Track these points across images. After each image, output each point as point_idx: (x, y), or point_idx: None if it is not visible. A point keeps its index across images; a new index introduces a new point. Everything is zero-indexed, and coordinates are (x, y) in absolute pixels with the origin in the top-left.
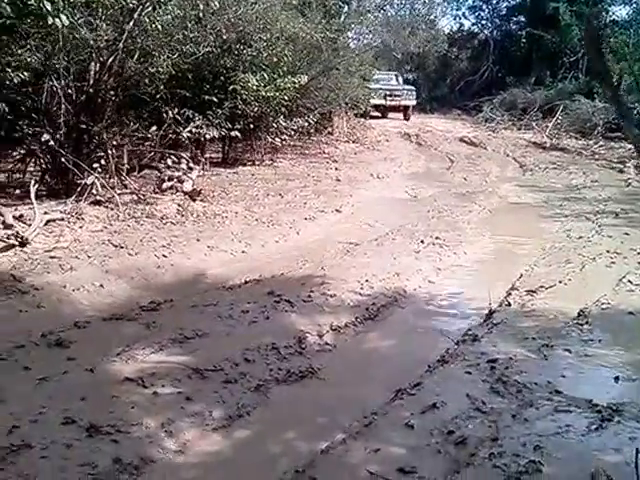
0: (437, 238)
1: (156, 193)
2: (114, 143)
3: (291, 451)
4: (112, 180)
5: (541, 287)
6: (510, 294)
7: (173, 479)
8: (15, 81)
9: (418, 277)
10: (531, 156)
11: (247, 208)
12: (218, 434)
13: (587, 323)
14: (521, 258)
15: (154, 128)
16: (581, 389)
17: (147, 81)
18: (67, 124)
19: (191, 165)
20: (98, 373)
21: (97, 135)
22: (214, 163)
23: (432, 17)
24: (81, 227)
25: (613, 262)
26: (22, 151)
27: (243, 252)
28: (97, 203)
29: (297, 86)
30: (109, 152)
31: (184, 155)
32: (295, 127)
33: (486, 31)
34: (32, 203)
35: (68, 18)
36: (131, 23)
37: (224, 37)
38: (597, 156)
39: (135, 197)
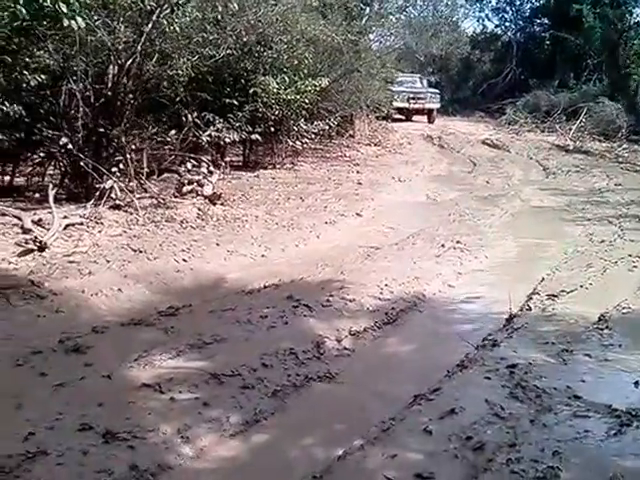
0: (458, 242)
1: (176, 197)
2: (133, 147)
3: (308, 457)
4: (131, 184)
5: (562, 291)
6: (531, 298)
7: None
8: (32, 84)
9: (438, 281)
10: (554, 159)
11: (267, 212)
12: (235, 440)
13: (607, 328)
14: (543, 262)
15: (173, 132)
16: (600, 394)
17: (166, 84)
18: (86, 127)
19: (211, 169)
20: (115, 379)
21: (116, 139)
22: (235, 166)
23: (455, 19)
24: (100, 231)
25: (635, 266)
26: (41, 154)
27: (263, 256)
28: (117, 207)
29: (318, 89)
30: (127, 156)
31: (204, 159)
32: (316, 130)
33: (509, 33)
34: (51, 206)
35: (84, 20)
36: (149, 25)
37: (244, 39)
38: (621, 159)
39: (155, 201)
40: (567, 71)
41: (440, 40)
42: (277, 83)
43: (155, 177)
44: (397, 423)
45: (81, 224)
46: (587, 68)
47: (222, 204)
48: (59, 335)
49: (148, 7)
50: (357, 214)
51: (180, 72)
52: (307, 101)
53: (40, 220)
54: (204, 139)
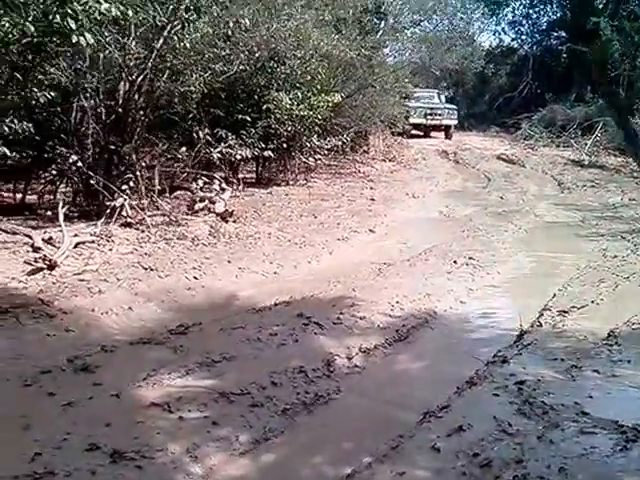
0: (470, 258)
1: (188, 214)
2: (143, 164)
3: (318, 475)
4: (143, 201)
5: (573, 307)
6: (542, 314)
7: None
8: (42, 101)
9: (450, 298)
10: (569, 174)
11: (280, 229)
12: (244, 458)
13: (617, 343)
14: (555, 278)
15: (184, 149)
16: (607, 410)
17: (178, 100)
18: (96, 144)
19: (223, 186)
20: (124, 398)
21: (127, 156)
22: (248, 183)
23: (470, 33)
24: (111, 249)
25: None
26: (53, 172)
27: (275, 273)
28: (128, 225)
29: (331, 105)
30: (138, 173)
31: (216, 176)
32: (329, 146)
33: (526, 46)
34: (61, 225)
35: (95, 36)
36: (160, 41)
37: (257, 55)
38: (636, 174)
39: (166, 218)
40: (584, 85)
41: (455, 54)
42: (290, 99)
43: (167, 194)
44: (406, 440)
45: (92, 242)
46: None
47: (234, 221)
48: (68, 354)
49: (159, 23)
50: (370, 230)
51: (193, 88)
52: (320, 117)
53: (50, 238)
54: (215, 156)
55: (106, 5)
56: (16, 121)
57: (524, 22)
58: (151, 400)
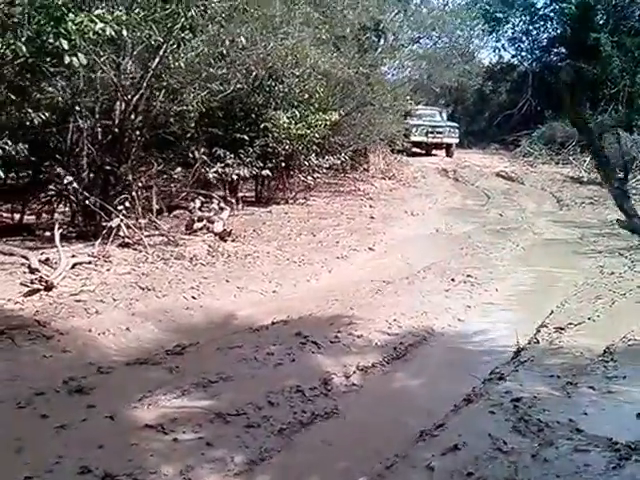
0: (469, 276)
1: (187, 234)
2: (140, 184)
3: None
4: (140, 221)
5: (570, 324)
6: (539, 331)
7: None
8: (36, 122)
9: (447, 315)
10: (568, 191)
11: (279, 247)
12: (239, 479)
13: (612, 360)
14: (553, 294)
15: (179, 169)
16: (602, 427)
17: (173, 120)
18: (93, 165)
19: (222, 205)
20: (118, 420)
21: (123, 176)
22: (248, 202)
23: (470, 49)
24: (108, 270)
25: None
26: (50, 192)
27: (274, 292)
28: (125, 245)
29: (329, 123)
30: (134, 194)
31: (215, 195)
32: (327, 165)
33: (526, 63)
34: (57, 246)
35: (90, 56)
36: (156, 61)
37: (254, 73)
38: (635, 191)
39: (164, 238)
40: (583, 101)
41: (455, 71)
42: (287, 118)
43: (167, 214)
44: (401, 460)
45: (89, 263)
46: (604, 98)
47: (233, 240)
48: (64, 375)
49: (154, 43)
50: (369, 248)
51: (191, 107)
52: (318, 135)
53: (47, 259)
54: (211, 176)
55: (101, 25)
56: (10, 142)
57: (524, 38)
58: (146, 421)
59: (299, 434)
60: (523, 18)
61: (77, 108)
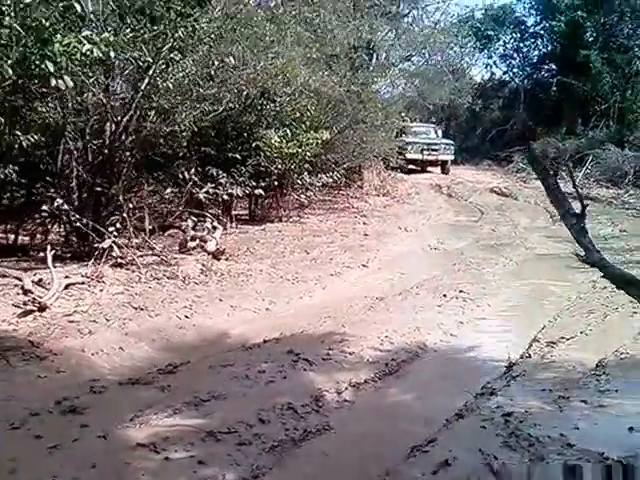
0: (461, 291)
1: (181, 253)
2: (130, 206)
3: None
4: (133, 241)
5: (562, 338)
6: (531, 346)
7: None
8: (24, 144)
9: (440, 331)
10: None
11: (272, 265)
12: None
13: (605, 373)
14: (545, 309)
15: (169, 190)
16: (594, 441)
17: (163, 140)
18: (84, 186)
19: (215, 224)
20: (110, 439)
21: (114, 197)
22: (242, 220)
23: (463, 66)
24: (101, 290)
25: (635, 312)
26: (44, 214)
27: (267, 310)
28: (118, 265)
29: (320, 142)
30: (125, 215)
31: (208, 214)
32: (320, 183)
33: (517, 80)
34: (50, 267)
35: (79, 77)
36: (145, 81)
37: (245, 93)
38: (627, 205)
39: (157, 258)
40: (574, 117)
41: (448, 88)
42: (279, 137)
43: (161, 233)
44: (392, 477)
45: (82, 283)
46: (594, 114)
47: (226, 259)
48: (58, 396)
49: (141, 64)
50: (363, 265)
51: (183, 126)
52: (309, 154)
53: (41, 280)
54: (202, 196)
55: (88, 46)
56: None
57: (515, 55)
58: (138, 441)
59: (291, 451)
60: (514, 35)
61: (68, 129)
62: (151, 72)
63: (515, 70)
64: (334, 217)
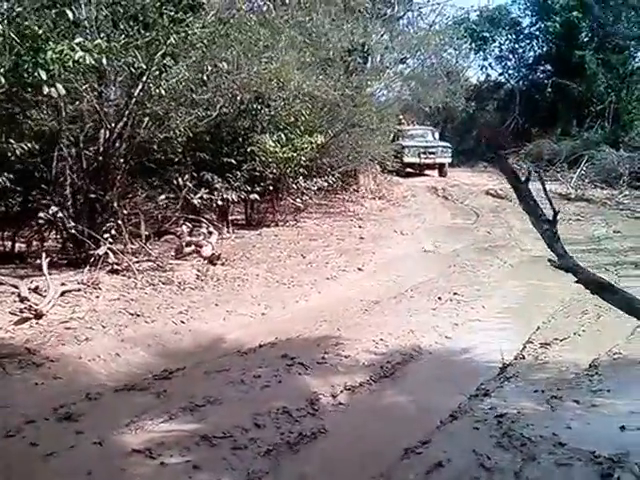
0: (455, 294)
1: (177, 259)
2: (125, 212)
3: None
4: (129, 247)
5: (556, 339)
6: (525, 347)
7: None
8: (18, 152)
9: (434, 333)
10: (555, 208)
11: (268, 270)
12: None
13: (597, 373)
14: (540, 310)
15: (163, 196)
16: (585, 440)
17: (157, 146)
18: (79, 193)
19: (211, 229)
20: (106, 446)
21: (109, 203)
22: (238, 225)
23: (458, 68)
24: (97, 297)
25: None
26: (40, 221)
27: (263, 314)
28: (114, 272)
29: (315, 146)
30: (120, 222)
31: (204, 220)
32: (316, 187)
33: (512, 81)
34: (45, 275)
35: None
36: (139, 88)
37: (239, 97)
38: (622, 206)
39: (153, 264)
40: (569, 118)
41: (442, 91)
42: (273, 141)
43: (157, 239)
44: (385, 479)
45: (78, 290)
46: (589, 115)
47: (222, 264)
48: (54, 403)
49: (134, 70)
50: (358, 269)
51: (178, 132)
52: (305, 158)
53: (37, 288)
54: (196, 202)
55: (80, 53)
56: None
57: (510, 57)
58: (133, 446)
59: (286, 455)
60: (509, 37)
61: (62, 136)
62: (145, 78)
63: (510, 71)
64: (330, 221)
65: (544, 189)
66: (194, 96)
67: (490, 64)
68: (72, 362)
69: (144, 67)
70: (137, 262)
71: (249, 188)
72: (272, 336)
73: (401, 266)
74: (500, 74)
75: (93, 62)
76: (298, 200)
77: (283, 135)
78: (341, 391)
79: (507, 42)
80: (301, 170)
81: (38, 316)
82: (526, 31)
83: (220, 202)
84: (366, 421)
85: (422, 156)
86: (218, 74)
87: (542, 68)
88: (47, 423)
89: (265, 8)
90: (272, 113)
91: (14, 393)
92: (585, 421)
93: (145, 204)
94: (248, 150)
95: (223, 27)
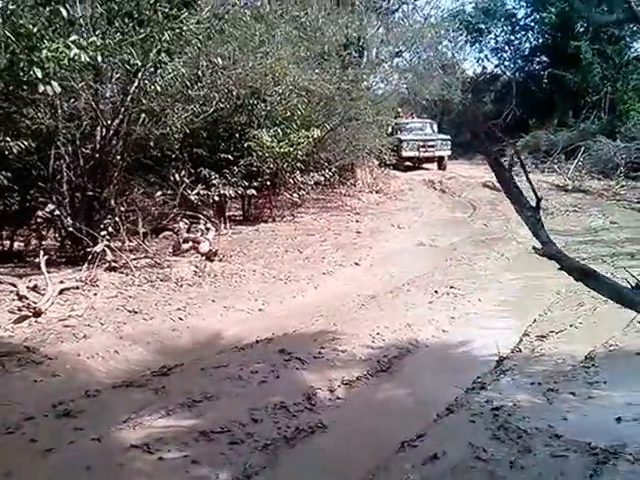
0: (452, 287)
1: (174, 255)
2: (122, 209)
3: None
4: (127, 244)
5: (552, 331)
6: (521, 340)
7: None
8: (14, 151)
9: (431, 327)
10: (553, 199)
11: (265, 265)
12: None
13: (594, 365)
14: (535, 303)
15: (159, 193)
16: (581, 432)
17: (154, 143)
18: (76, 191)
19: (208, 225)
20: (105, 442)
21: (106, 201)
22: (236, 221)
23: (455, 60)
24: (96, 294)
25: None
26: (38, 219)
27: (260, 310)
28: (112, 269)
29: (311, 140)
30: (117, 219)
31: (201, 216)
32: (313, 182)
33: (509, 72)
34: (43, 273)
35: (68, 82)
36: (134, 85)
37: (235, 93)
38: (618, 197)
39: (151, 261)
40: (566, 109)
41: (439, 83)
42: (270, 136)
43: (155, 236)
44: (381, 472)
45: (77, 288)
46: (586, 106)
47: (220, 260)
48: (54, 400)
49: (129, 67)
50: (355, 263)
51: (174, 128)
52: (301, 153)
53: (35, 286)
54: (193, 198)
55: (76, 51)
56: None
57: (506, 48)
58: (131, 442)
59: (284, 449)
60: (505, 28)
61: (59, 134)
62: (140, 75)
63: (506, 63)
64: (327, 215)
65: (526, 175)
66: (190, 92)
67: (486, 56)
68: (71, 359)
69: (139, 64)
70: (135, 259)
71: (246, 183)
72: (269, 331)
73: (398, 260)
74: (496, 66)
75: (88, 60)
76: (295, 195)
77: (280, 130)
78: (338, 385)
79: (503, 34)
80: (298, 165)
81: (37, 314)
82: (522, 22)
83: (217, 198)
84: (363, 415)
85: (421, 150)
86: (214, 70)
87: (538, 59)
88: (46, 420)
89: (259, 3)
90: (268, 108)
91: (14, 390)
92: (581, 413)
93: (142, 201)
94: (245, 145)
95: (218, 23)
